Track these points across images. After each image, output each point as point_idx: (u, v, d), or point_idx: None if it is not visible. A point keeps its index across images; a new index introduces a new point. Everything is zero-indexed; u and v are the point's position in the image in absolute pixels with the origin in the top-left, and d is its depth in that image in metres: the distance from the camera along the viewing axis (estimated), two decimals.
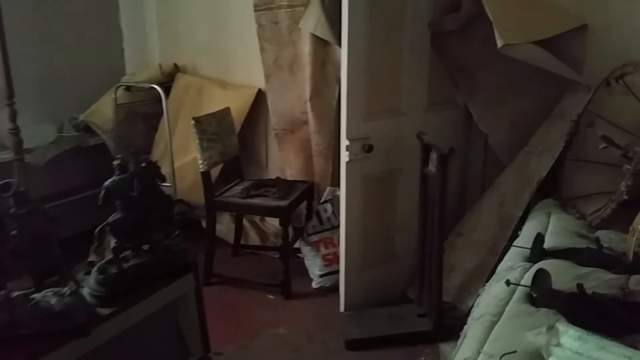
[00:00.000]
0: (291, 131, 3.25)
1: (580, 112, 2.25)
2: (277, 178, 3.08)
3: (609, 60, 2.25)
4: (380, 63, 2.33)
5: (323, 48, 2.98)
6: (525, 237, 1.95)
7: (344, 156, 2.28)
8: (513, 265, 1.62)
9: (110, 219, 1.31)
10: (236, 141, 3.04)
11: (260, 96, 3.34)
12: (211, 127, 2.75)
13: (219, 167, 3.06)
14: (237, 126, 3.23)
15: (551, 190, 2.37)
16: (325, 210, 2.87)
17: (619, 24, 2.27)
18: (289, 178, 3.29)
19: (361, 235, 2.47)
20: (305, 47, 2.98)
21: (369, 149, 2.28)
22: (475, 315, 1.52)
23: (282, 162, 3.34)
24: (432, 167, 2.21)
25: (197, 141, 2.66)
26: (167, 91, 3.57)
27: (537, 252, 1.61)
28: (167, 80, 3.59)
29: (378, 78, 2.33)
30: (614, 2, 2.27)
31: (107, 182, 1.31)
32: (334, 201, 2.87)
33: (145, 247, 1.38)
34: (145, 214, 1.35)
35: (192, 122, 2.65)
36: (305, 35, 2.96)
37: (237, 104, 3.28)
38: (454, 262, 2.49)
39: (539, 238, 1.66)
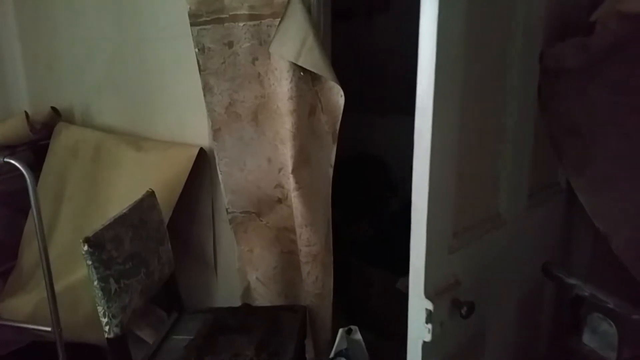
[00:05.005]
0: (257, 214, 2.03)
1: None
2: (245, 307, 1.82)
3: None
4: (474, 134, 1.18)
5: (311, 86, 1.79)
6: None
7: (421, 331, 1.10)
8: None
9: None
10: (169, 253, 1.74)
11: (203, 160, 2.07)
12: (123, 247, 1.43)
13: None
14: (167, 212, 1.93)
15: None
16: None
17: None
18: (254, 285, 2.07)
19: None
20: (282, 85, 1.77)
21: (468, 310, 1.12)
22: None
23: (241, 261, 2.09)
24: (598, 343, 1.10)
25: (96, 283, 1.33)
26: (41, 152, 2.18)
27: None
28: (41, 137, 2.20)
29: (470, 163, 1.18)
30: None
31: None
32: (353, 353, 1.67)
33: None
34: None
35: (84, 247, 1.32)
36: (282, 65, 1.75)
37: (165, 177, 1.99)
38: None
39: None
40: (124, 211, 1.50)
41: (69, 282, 1.94)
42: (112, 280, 1.36)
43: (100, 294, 1.34)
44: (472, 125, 1.15)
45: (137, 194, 1.68)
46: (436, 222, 1.07)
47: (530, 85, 1.35)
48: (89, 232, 1.33)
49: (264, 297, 2.07)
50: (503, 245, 1.34)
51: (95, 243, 1.33)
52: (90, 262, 1.32)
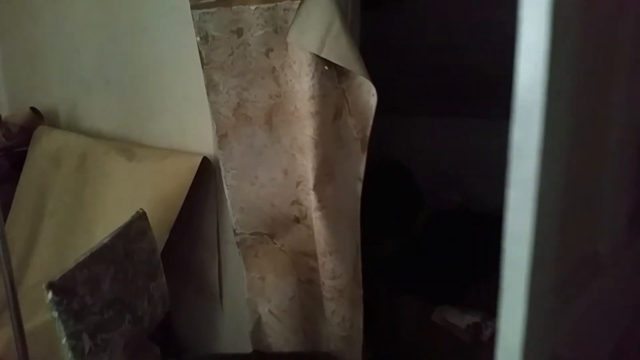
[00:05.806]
0: (270, 236, 1.75)
1: None
2: (256, 355, 1.51)
3: None
4: (582, 145, 0.86)
5: (337, 83, 1.49)
6: None
7: None
8: None
9: None
10: (164, 288, 1.43)
11: (206, 171, 1.78)
12: (101, 290, 1.12)
13: None
14: (163, 235, 1.63)
15: None
16: None
17: None
18: (265, 319, 1.80)
19: None
20: (302, 82, 1.47)
21: None
22: None
23: (250, 291, 1.80)
24: None
25: (64, 341, 1.02)
26: (19, 160, 1.89)
27: None
28: (18, 142, 1.92)
29: (576, 186, 0.86)
30: None
31: None
32: None
33: None
34: None
35: (48, 294, 1.00)
36: (302, 57, 1.44)
37: (162, 191, 1.71)
38: None
39: None
40: (104, 241, 1.19)
41: (48, 316, 1.64)
42: (85, 337, 1.04)
43: (70, 355, 1.03)
44: (579, 134, 0.82)
45: (129, 211, 1.40)
46: (540, 276, 0.74)
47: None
48: (54, 275, 1.01)
49: (278, 333, 1.78)
50: (601, 295, 1.01)
51: (63, 289, 1.01)
52: (56, 314, 1.01)
